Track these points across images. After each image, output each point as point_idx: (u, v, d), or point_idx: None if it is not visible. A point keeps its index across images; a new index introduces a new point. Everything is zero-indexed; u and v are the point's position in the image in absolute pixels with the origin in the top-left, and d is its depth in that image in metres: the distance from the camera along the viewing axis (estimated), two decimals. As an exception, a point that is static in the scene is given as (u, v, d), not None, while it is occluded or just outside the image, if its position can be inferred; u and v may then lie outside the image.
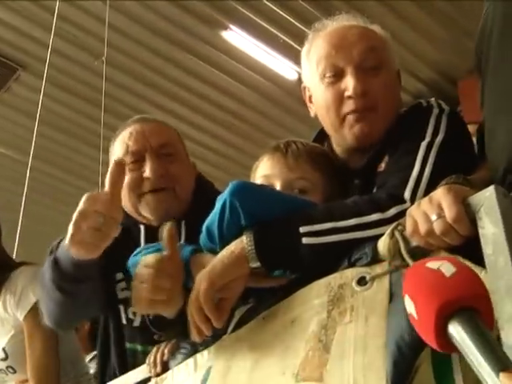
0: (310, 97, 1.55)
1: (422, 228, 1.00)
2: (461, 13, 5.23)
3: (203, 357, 1.29)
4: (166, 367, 1.43)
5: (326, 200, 1.36)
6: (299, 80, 1.63)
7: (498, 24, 1.15)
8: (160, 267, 1.24)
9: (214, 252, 1.25)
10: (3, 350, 2.39)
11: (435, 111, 1.38)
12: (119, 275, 1.68)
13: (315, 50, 1.48)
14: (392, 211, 1.17)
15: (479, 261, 0.89)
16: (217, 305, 1.19)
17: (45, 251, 1.57)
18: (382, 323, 0.98)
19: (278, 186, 1.38)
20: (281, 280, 1.22)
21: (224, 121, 6.43)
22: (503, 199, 0.93)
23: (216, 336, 1.26)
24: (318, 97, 1.49)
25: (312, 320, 1.09)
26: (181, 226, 1.69)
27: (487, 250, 0.91)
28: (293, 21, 5.25)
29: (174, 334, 1.47)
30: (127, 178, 1.64)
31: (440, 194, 0.99)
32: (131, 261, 1.40)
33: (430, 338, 0.70)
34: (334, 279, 1.10)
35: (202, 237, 1.29)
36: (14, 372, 2.40)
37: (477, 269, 0.86)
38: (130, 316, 1.69)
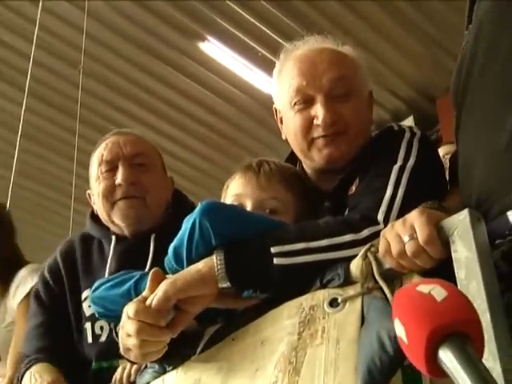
0: (281, 118, 1.54)
1: (394, 249, 0.99)
2: (440, 31, 5.29)
3: (171, 376, 1.26)
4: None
5: (297, 221, 1.34)
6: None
7: (478, 60, 1.14)
8: (145, 318, 1.12)
9: None
10: None
11: (407, 135, 1.39)
12: (85, 293, 1.67)
13: (286, 74, 1.48)
14: (365, 232, 1.16)
15: (452, 285, 0.89)
16: (174, 317, 1.14)
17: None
18: (353, 346, 0.97)
19: (249, 206, 1.36)
20: (250, 302, 1.19)
21: (198, 133, 6.40)
22: (477, 223, 0.92)
23: (185, 356, 1.23)
24: (288, 121, 1.49)
25: (282, 341, 1.07)
26: (150, 239, 1.69)
27: (460, 274, 0.91)
28: (271, 34, 5.26)
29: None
30: (101, 187, 1.72)
31: (414, 216, 1.00)
32: (98, 294, 1.35)
33: (420, 364, 0.68)
34: (305, 300, 1.09)
35: (168, 259, 1.26)
36: None
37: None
38: (97, 332, 1.67)
